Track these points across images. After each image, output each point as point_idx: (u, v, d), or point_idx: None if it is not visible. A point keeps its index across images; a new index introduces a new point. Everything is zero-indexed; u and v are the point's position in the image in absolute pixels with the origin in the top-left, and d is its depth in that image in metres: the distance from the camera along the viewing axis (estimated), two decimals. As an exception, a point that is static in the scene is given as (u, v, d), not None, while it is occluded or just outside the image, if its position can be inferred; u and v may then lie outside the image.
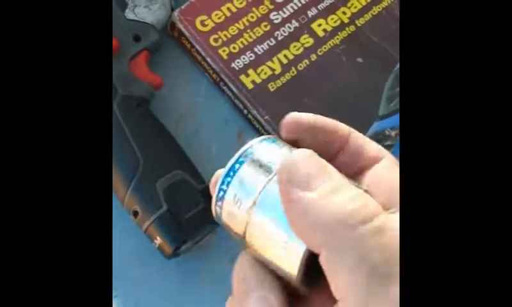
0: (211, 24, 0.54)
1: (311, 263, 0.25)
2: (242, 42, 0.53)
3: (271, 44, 0.53)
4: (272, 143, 0.28)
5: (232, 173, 0.27)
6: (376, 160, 0.28)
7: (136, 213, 0.46)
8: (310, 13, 0.54)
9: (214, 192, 0.28)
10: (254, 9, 0.54)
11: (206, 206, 0.46)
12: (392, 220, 0.24)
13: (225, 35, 0.53)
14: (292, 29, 0.54)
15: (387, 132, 0.50)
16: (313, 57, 0.53)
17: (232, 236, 0.28)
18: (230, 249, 0.48)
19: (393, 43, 0.53)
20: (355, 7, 0.55)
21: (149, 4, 0.53)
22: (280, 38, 0.53)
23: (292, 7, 0.54)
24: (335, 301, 0.24)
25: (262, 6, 0.54)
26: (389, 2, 0.55)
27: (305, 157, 0.26)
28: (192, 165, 0.49)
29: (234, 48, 0.53)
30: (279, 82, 0.52)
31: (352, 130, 0.29)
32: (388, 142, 0.50)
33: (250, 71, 0.52)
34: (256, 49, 0.53)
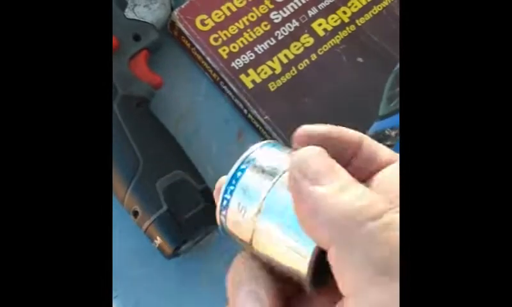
0: (211, 23, 0.53)
1: (319, 264, 0.25)
2: (242, 41, 0.53)
3: (271, 43, 0.53)
4: (273, 148, 0.28)
5: (234, 181, 0.27)
6: (388, 165, 0.28)
7: (135, 213, 0.46)
8: (310, 13, 0.54)
9: (217, 200, 0.28)
10: (254, 8, 0.54)
11: (206, 206, 0.46)
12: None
13: (225, 34, 0.53)
14: (292, 29, 0.54)
15: (387, 132, 0.50)
16: (314, 56, 0.53)
17: (238, 244, 0.28)
18: (229, 249, 0.47)
19: (394, 43, 0.53)
20: (355, 6, 0.55)
21: (149, 3, 0.53)
22: (280, 37, 0.53)
23: (292, 6, 0.54)
24: (336, 302, 0.24)
25: (262, 6, 0.54)
26: (389, 1, 0.55)
27: (315, 154, 0.26)
28: (192, 165, 0.48)
29: (234, 47, 0.53)
30: (279, 82, 0.52)
31: (364, 136, 0.29)
32: (388, 142, 0.50)
33: (250, 71, 0.52)
34: (256, 49, 0.53)
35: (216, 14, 0.54)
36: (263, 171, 0.27)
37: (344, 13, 0.55)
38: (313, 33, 0.54)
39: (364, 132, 0.50)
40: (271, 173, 0.27)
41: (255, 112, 0.51)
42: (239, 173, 0.27)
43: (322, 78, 0.52)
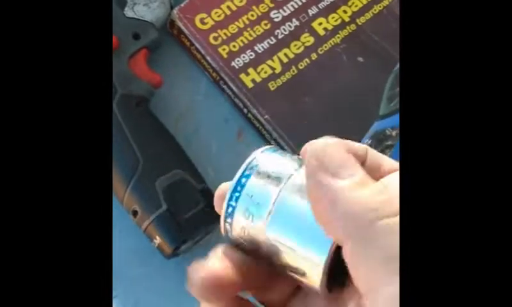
0: (211, 22, 0.53)
1: (332, 269, 0.25)
2: (242, 40, 0.53)
3: (271, 43, 0.53)
4: (274, 153, 0.28)
5: (239, 188, 0.27)
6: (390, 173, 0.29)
7: (135, 213, 0.46)
8: (310, 12, 0.54)
9: (219, 207, 0.28)
10: (254, 7, 0.54)
11: (205, 205, 0.46)
12: None
13: (225, 33, 0.53)
14: (292, 28, 0.53)
15: (388, 132, 0.50)
16: (314, 56, 0.53)
17: (245, 250, 0.27)
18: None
19: (394, 42, 0.53)
20: (356, 6, 0.55)
21: (148, 2, 0.53)
22: (280, 36, 0.53)
23: (292, 5, 0.54)
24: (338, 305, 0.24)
25: (262, 5, 0.54)
26: (390, 0, 0.55)
27: (334, 145, 0.26)
28: (191, 165, 0.48)
29: (234, 46, 0.53)
30: (279, 81, 0.52)
31: (369, 147, 0.29)
32: (389, 142, 0.49)
33: (250, 70, 0.52)
34: (256, 48, 0.53)
35: (216, 13, 0.54)
36: (268, 176, 0.27)
37: (345, 12, 0.54)
38: (313, 32, 0.53)
39: (364, 132, 0.50)
40: (277, 178, 0.26)
41: (255, 111, 0.51)
42: (243, 179, 0.27)
43: (323, 77, 0.52)
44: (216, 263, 0.27)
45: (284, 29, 0.53)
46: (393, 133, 0.50)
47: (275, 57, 0.52)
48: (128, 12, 0.52)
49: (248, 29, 0.53)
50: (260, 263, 0.27)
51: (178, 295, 0.48)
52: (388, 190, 0.25)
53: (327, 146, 0.26)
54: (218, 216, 0.28)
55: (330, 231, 0.25)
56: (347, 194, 0.24)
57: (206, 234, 0.47)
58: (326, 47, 0.53)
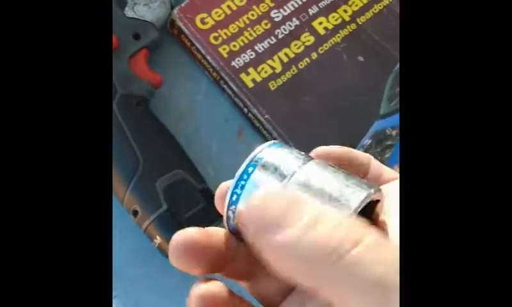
0: (211, 22, 0.53)
1: None
2: (242, 40, 0.53)
3: (272, 42, 0.53)
4: (281, 148, 0.28)
5: (245, 176, 0.27)
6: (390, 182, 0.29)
7: (135, 213, 0.46)
8: (310, 11, 0.54)
9: (221, 206, 0.28)
10: (254, 7, 0.54)
11: (206, 205, 0.46)
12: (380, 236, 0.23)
13: (225, 33, 0.53)
14: (292, 27, 0.53)
15: (388, 131, 0.50)
16: (314, 55, 0.53)
17: (245, 239, 0.27)
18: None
19: (395, 42, 0.53)
20: (356, 5, 0.55)
21: (149, 2, 0.53)
22: (280, 36, 0.53)
23: (292, 5, 0.54)
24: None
25: (262, 4, 0.54)
26: (390, 0, 0.55)
27: (272, 196, 0.24)
28: (192, 165, 0.48)
29: (234, 46, 0.53)
30: (279, 81, 0.52)
31: (371, 157, 0.30)
32: (389, 142, 0.49)
33: (250, 70, 0.52)
34: (256, 47, 0.53)
35: (216, 12, 0.54)
36: (274, 170, 0.27)
37: (345, 11, 0.54)
38: (313, 32, 0.53)
39: (365, 132, 0.50)
40: (282, 172, 0.27)
41: (255, 111, 0.51)
42: (250, 168, 0.27)
43: (323, 77, 0.52)
44: (192, 229, 0.27)
45: (284, 29, 0.53)
46: (393, 133, 0.50)
47: (275, 57, 0.52)
48: (129, 12, 0.52)
49: (248, 28, 0.53)
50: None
51: (179, 295, 0.48)
52: (342, 223, 0.23)
53: (265, 200, 0.24)
54: (218, 216, 0.28)
55: (300, 283, 0.23)
56: (298, 242, 0.22)
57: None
58: (326, 46, 0.53)
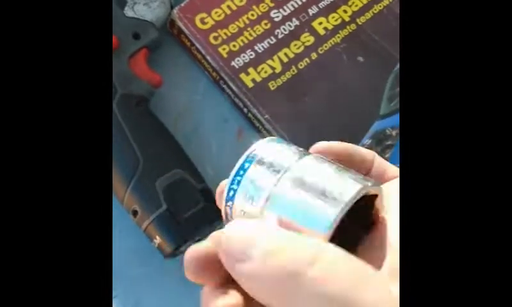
0: (211, 22, 0.53)
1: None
2: (242, 40, 0.53)
3: (272, 42, 0.53)
4: (278, 143, 0.28)
5: (242, 172, 0.27)
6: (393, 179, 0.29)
7: (135, 213, 0.46)
8: (310, 11, 0.54)
9: (220, 201, 0.28)
10: (254, 7, 0.54)
11: (205, 205, 0.46)
12: (332, 250, 0.24)
13: (225, 33, 0.53)
14: (292, 27, 0.53)
15: (388, 132, 0.50)
16: (314, 55, 0.53)
17: None
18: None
19: (394, 42, 0.53)
20: (356, 5, 0.55)
21: (148, 1, 0.53)
22: (280, 36, 0.53)
23: (292, 5, 0.54)
24: None
25: (262, 4, 0.54)
26: (390, 0, 0.55)
27: (236, 228, 0.26)
28: (191, 164, 0.48)
29: (234, 46, 0.53)
30: (279, 81, 0.52)
31: (375, 154, 0.30)
32: (389, 142, 0.49)
33: (250, 70, 0.52)
34: (256, 47, 0.53)
35: (216, 12, 0.54)
36: (270, 164, 0.27)
37: (345, 11, 0.54)
38: (313, 32, 0.53)
39: (365, 132, 0.50)
40: (279, 166, 0.27)
41: (255, 111, 0.51)
42: (246, 164, 0.27)
43: (323, 77, 0.52)
44: (205, 242, 0.27)
45: (284, 29, 0.53)
46: (393, 133, 0.50)
47: (275, 57, 0.52)
48: (128, 12, 0.52)
49: (248, 28, 0.53)
50: None
51: (179, 295, 0.48)
52: (296, 247, 0.24)
53: (230, 232, 0.25)
54: (218, 216, 0.28)
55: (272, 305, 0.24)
56: (260, 271, 0.24)
57: (206, 233, 0.47)
58: (326, 46, 0.53)
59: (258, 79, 0.51)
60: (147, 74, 0.51)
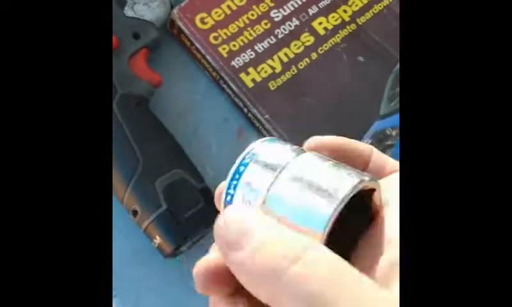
0: (211, 22, 0.53)
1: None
2: (242, 40, 0.53)
3: (272, 42, 0.53)
4: (273, 143, 0.28)
5: (237, 176, 0.27)
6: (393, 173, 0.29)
7: (135, 213, 0.46)
8: (310, 11, 0.54)
9: (219, 204, 0.28)
10: (254, 7, 0.54)
11: (205, 205, 0.46)
12: (321, 249, 0.24)
13: (225, 33, 0.53)
14: (292, 27, 0.53)
15: (388, 132, 0.50)
16: (314, 55, 0.53)
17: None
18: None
19: (395, 42, 0.53)
20: (356, 5, 0.55)
21: (148, 1, 0.53)
22: (280, 36, 0.53)
23: (292, 5, 0.54)
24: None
25: (262, 4, 0.54)
26: (390, 0, 0.55)
27: (232, 213, 0.26)
28: (191, 164, 0.48)
29: (234, 46, 0.53)
30: (279, 81, 0.52)
31: (374, 148, 0.30)
32: (389, 142, 0.49)
33: (250, 70, 0.52)
34: (256, 47, 0.53)
35: (216, 12, 0.54)
36: (266, 165, 0.27)
37: (345, 11, 0.54)
38: (313, 32, 0.53)
39: (365, 132, 0.50)
40: (274, 166, 0.27)
41: (255, 111, 0.51)
42: (241, 168, 0.27)
43: (323, 77, 0.52)
44: (212, 254, 0.27)
45: (284, 29, 0.53)
46: (393, 133, 0.50)
47: (275, 57, 0.52)
48: (128, 11, 0.52)
49: (248, 28, 0.53)
50: None
51: (178, 294, 0.48)
52: (284, 242, 0.24)
53: (226, 219, 0.26)
54: (218, 215, 0.28)
55: (259, 297, 0.25)
56: (249, 261, 0.24)
57: (206, 233, 0.47)
58: (326, 46, 0.53)
59: (258, 79, 0.51)
60: (147, 74, 0.51)
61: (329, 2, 0.55)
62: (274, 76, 0.52)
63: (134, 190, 0.46)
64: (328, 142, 0.29)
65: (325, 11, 0.54)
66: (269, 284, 0.24)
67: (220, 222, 0.26)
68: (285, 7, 0.54)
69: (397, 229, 0.25)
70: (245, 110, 0.51)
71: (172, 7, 0.54)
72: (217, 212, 0.29)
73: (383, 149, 0.49)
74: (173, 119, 0.52)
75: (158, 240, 0.46)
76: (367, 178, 0.26)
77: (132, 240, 0.48)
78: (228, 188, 0.27)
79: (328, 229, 0.25)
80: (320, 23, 0.54)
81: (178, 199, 0.46)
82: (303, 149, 0.28)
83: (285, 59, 0.52)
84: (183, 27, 0.53)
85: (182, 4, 0.54)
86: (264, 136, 0.50)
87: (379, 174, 0.29)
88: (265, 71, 0.52)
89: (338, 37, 0.53)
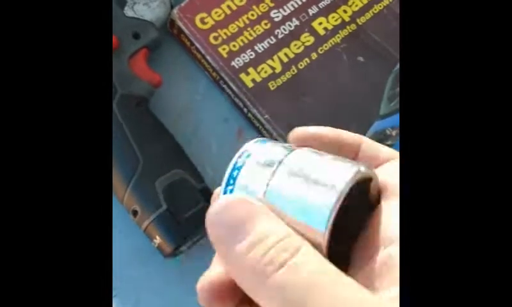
0: (211, 22, 0.53)
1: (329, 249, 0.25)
2: (242, 40, 0.53)
3: (272, 42, 0.53)
4: (264, 143, 0.28)
5: (232, 181, 0.27)
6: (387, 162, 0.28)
7: (135, 213, 0.46)
8: (310, 11, 0.54)
9: None
10: (254, 7, 0.54)
11: (205, 205, 0.46)
12: (310, 253, 0.24)
13: (225, 33, 0.53)
14: (292, 27, 0.53)
15: (388, 132, 0.50)
16: (314, 55, 0.53)
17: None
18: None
19: (395, 42, 0.53)
20: (356, 5, 0.55)
21: (148, 1, 0.53)
22: (280, 36, 0.53)
23: (292, 5, 0.54)
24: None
25: (262, 4, 0.54)
26: (390, 0, 0.55)
27: (232, 202, 0.25)
28: (191, 164, 0.48)
29: (234, 46, 0.53)
30: (279, 81, 0.52)
31: (363, 137, 0.29)
32: (389, 142, 0.49)
33: (250, 70, 0.52)
34: (256, 47, 0.53)
35: (216, 12, 0.54)
36: (259, 165, 0.27)
37: (345, 12, 0.54)
38: (313, 32, 0.53)
39: (365, 132, 0.50)
40: (268, 165, 0.27)
41: (255, 111, 0.51)
42: (235, 172, 0.27)
43: (323, 77, 0.52)
44: (215, 268, 0.27)
45: (284, 29, 0.53)
46: (393, 133, 0.50)
47: (275, 57, 0.52)
48: (128, 11, 0.52)
49: (248, 28, 0.53)
50: None
51: (178, 294, 0.48)
52: (278, 241, 0.24)
53: (225, 207, 0.25)
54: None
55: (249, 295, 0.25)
56: (244, 257, 0.24)
57: (206, 233, 0.47)
58: (326, 46, 0.53)
59: (258, 79, 0.51)
60: (147, 74, 0.51)
61: (329, 2, 0.55)
62: (274, 76, 0.52)
63: (134, 190, 0.46)
64: (312, 133, 0.29)
65: (325, 11, 0.54)
66: (258, 284, 0.24)
67: (213, 210, 0.25)
68: (285, 7, 0.54)
69: (396, 220, 0.25)
70: (245, 110, 0.51)
71: (172, 7, 0.54)
72: None
73: (383, 150, 0.49)
74: (173, 119, 0.52)
75: (158, 240, 0.46)
76: (363, 168, 0.26)
77: (132, 240, 0.48)
78: (224, 194, 0.27)
79: (329, 225, 0.25)
80: (320, 23, 0.54)
81: (178, 199, 0.46)
82: (294, 147, 0.28)
83: (285, 59, 0.52)
84: (183, 27, 0.53)
85: (182, 4, 0.54)
86: (264, 136, 0.50)
87: (373, 160, 0.29)
88: (265, 72, 0.52)
89: (338, 37, 0.53)
